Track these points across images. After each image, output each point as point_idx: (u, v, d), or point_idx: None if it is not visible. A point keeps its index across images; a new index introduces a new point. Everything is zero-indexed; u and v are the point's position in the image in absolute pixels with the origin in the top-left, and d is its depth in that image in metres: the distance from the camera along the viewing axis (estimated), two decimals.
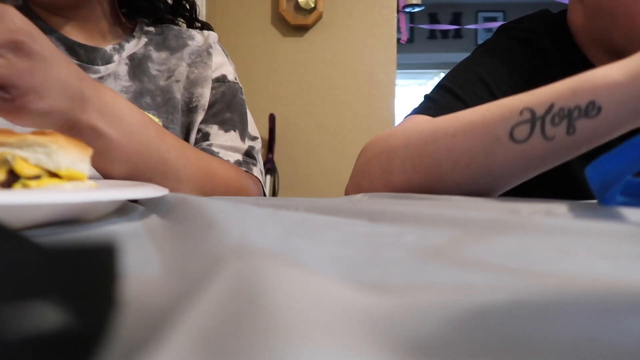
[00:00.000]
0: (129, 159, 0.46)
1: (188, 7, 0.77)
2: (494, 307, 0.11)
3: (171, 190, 0.49)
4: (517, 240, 0.21)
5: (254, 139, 0.71)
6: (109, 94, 0.46)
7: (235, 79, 0.72)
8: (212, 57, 0.70)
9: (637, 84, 0.35)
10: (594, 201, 0.32)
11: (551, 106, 0.37)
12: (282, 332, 0.08)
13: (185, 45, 0.70)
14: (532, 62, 0.61)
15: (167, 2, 0.73)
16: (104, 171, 0.46)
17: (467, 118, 0.42)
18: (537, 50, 0.62)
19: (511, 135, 0.38)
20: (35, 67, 0.37)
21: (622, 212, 0.29)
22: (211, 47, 0.71)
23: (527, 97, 0.39)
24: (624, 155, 0.29)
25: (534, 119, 0.37)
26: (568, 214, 0.30)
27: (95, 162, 0.45)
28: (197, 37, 0.72)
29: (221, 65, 0.71)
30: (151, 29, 0.71)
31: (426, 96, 0.60)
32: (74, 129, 0.42)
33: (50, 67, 0.39)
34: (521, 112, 0.38)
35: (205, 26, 0.77)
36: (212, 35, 0.73)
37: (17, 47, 0.36)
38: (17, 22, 0.37)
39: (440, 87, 0.60)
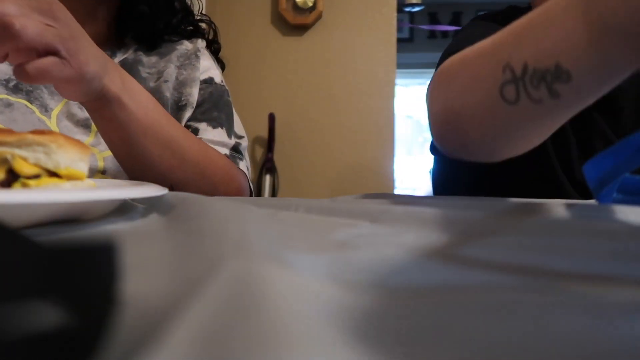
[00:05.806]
0: (146, 132, 0.48)
1: (202, 30, 0.77)
2: (493, 307, 0.11)
3: (174, 168, 0.52)
4: (516, 240, 0.21)
5: (240, 137, 0.73)
6: (124, 71, 0.47)
7: (222, 81, 0.74)
8: (200, 60, 0.72)
9: (601, 47, 0.28)
10: (593, 201, 0.32)
11: (525, 66, 0.32)
12: (278, 332, 0.08)
13: (174, 49, 0.72)
14: None
15: (170, 22, 0.72)
16: (123, 144, 0.48)
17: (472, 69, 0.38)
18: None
19: (502, 96, 0.35)
20: (74, 33, 0.39)
21: (621, 211, 0.29)
22: (199, 51, 0.73)
23: (509, 47, 0.34)
24: (621, 153, 0.29)
25: (515, 80, 0.34)
26: (567, 214, 0.30)
27: (116, 135, 0.48)
28: (186, 43, 0.74)
29: (208, 68, 0.73)
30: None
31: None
32: (104, 98, 0.43)
33: (82, 35, 0.41)
34: (504, 70, 0.34)
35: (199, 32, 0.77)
36: (200, 42, 0.75)
37: (55, 16, 0.38)
38: None
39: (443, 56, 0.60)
